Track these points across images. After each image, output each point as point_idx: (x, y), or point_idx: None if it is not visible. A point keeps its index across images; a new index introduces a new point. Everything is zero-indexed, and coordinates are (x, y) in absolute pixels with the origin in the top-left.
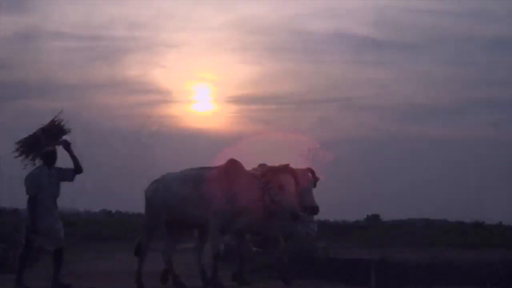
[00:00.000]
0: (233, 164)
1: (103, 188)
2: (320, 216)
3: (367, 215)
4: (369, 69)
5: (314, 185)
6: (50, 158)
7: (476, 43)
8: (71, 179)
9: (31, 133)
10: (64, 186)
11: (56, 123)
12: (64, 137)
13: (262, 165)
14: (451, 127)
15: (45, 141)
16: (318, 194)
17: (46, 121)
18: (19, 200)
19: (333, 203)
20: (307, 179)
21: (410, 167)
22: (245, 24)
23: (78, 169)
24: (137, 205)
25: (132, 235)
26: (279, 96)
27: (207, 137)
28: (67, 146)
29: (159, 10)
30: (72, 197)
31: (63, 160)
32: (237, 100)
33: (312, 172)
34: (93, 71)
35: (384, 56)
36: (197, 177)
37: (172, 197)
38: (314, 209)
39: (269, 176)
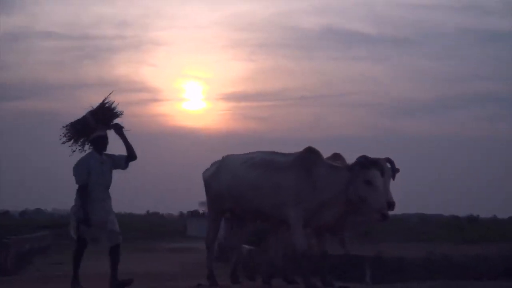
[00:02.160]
0: (311, 153)
1: None
2: None
3: None
4: (361, 65)
5: (393, 177)
6: (101, 144)
7: (468, 38)
8: (124, 166)
9: (80, 117)
10: (58, 187)
11: (107, 105)
12: (116, 121)
13: (336, 155)
14: (444, 122)
15: (95, 125)
16: None
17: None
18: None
19: None
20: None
21: (403, 162)
22: (236, 21)
23: (131, 155)
24: (129, 205)
25: (124, 236)
26: (271, 93)
27: (198, 135)
28: (119, 130)
29: (147, 8)
30: (65, 198)
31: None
32: (229, 97)
33: (391, 162)
34: (82, 71)
35: (376, 51)
36: (268, 163)
37: (238, 183)
38: (391, 205)
39: (356, 170)
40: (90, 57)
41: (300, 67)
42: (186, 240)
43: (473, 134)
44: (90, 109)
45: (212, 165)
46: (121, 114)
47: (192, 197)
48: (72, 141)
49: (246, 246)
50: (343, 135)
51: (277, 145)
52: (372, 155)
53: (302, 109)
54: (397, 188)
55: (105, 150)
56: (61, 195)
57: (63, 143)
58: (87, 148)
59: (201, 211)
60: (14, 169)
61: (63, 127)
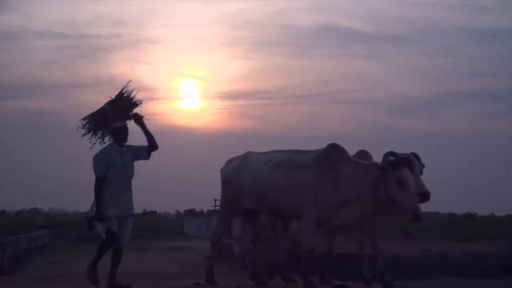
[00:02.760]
0: (335, 150)
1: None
2: None
3: None
4: (358, 62)
5: (421, 172)
6: (121, 135)
7: (466, 36)
8: (146, 157)
9: (99, 108)
10: (54, 187)
11: (125, 95)
12: (135, 110)
13: (362, 152)
14: (442, 119)
15: (114, 116)
16: None
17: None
18: (5, 201)
19: None
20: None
21: None
22: (232, 19)
23: (153, 145)
24: None
25: None
26: (268, 91)
27: (195, 134)
28: (139, 119)
29: (143, 7)
30: (61, 198)
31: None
32: (225, 96)
33: (418, 157)
34: (78, 70)
35: (374, 49)
36: (290, 161)
37: (261, 184)
38: (427, 195)
39: (387, 170)
40: (86, 56)
41: (297, 65)
42: (183, 239)
43: (471, 131)
44: (108, 99)
45: (228, 162)
46: (141, 103)
47: (189, 196)
48: (91, 133)
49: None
50: (340, 133)
51: (273, 143)
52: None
53: (299, 107)
54: None
55: (125, 141)
56: (58, 195)
57: (82, 135)
58: (107, 140)
59: (198, 210)
60: (11, 169)
61: (82, 119)
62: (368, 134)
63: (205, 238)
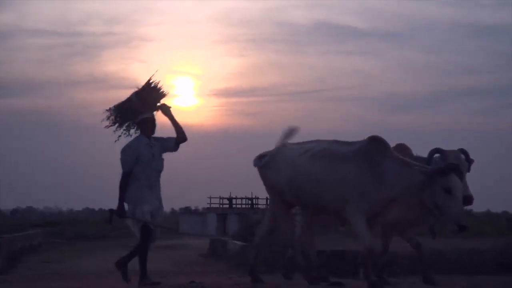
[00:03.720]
0: (378, 143)
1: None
2: None
3: None
4: (353, 59)
5: (468, 169)
6: (148, 126)
7: (460, 31)
8: (174, 149)
9: (125, 99)
10: (49, 186)
11: (152, 85)
12: (163, 101)
13: (400, 146)
14: (437, 115)
15: (141, 107)
16: None
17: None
18: None
19: None
20: (459, 163)
21: None
22: (227, 17)
23: (182, 137)
24: None
25: (116, 233)
26: (263, 88)
27: (190, 131)
28: (167, 110)
29: (136, 4)
30: (56, 196)
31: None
32: (220, 93)
33: (466, 153)
34: (72, 68)
35: (368, 46)
36: (330, 153)
37: (299, 176)
38: (469, 199)
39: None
40: (79, 54)
41: (292, 62)
42: (178, 237)
43: (466, 128)
44: (135, 90)
45: (264, 154)
46: (168, 94)
47: (184, 194)
48: (116, 125)
49: (239, 242)
50: (335, 130)
51: (269, 141)
52: None
53: (294, 104)
54: None
55: (153, 133)
56: (52, 194)
57: (106, 127)
58: (133, 133)
59: (193, 208)
60: (5, 168)
61: (107, 110)
62: (363, 131)
63: (200, 236)
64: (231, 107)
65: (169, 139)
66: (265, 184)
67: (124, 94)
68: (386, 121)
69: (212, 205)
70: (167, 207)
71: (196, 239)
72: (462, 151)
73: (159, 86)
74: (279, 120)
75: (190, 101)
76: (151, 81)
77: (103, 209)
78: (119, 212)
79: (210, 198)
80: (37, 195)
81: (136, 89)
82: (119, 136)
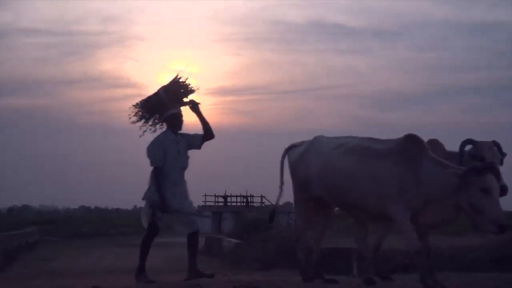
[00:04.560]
0: (415, 142)
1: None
2: None
3: None
4: (347, 57)
5: (501, 162)
6: (176, 122)
7: (452, 29)
8: (199, 146)
9: (151, 94)
10: (45, 184)
11: (180, 80)
12: (191, 97)
13: (433, 141)
14: (429, 113)
15: (168, 102)
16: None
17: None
18: None
19: None
20: (492, 155)
21: None
22: (221, 16)
23: (208, 134)
24: (116, 201)
25: (112, 231)
26: (258, 87)
27: (186, 130)
28: (195, 106)
29: (131, 3)
30: (52, 194)
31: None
32: (215, 92)
33: (498, 145)
34: (67, 67)
35: (361, 44)
36: (365, 150)
37: (331, 171)
38: (504, 190)
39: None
40: (74, 53)
41: (286, 61)
42: (173, 235)
43: (458, 125)
44: (163, 85)
45: (294, 145)
46: (196, 89)
47: None
48: (143, 120)
49: (233, 240)
50: (329, 128)
51: (264, 139)
52: None
53: (289, 103)
54: None
55: (180, 129)
56: (48, 192)
57: (133, 122)
58: (158, 128)
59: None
60: (1, 166)
61: (133, 105)
62: (356, 128)
63: None
64: (227, 106)
65: (195, 136)
66: (293, 177)
67: (118, 93)
68: (379, 118)
69: (207, 203)
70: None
71: None
72: (495, 143)
73: (187, 81)
74: (274, 118)
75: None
76: (179, 76)
77: (98, 208)
78: (163, 207)
79: (205, 196)
80: (33, 193)
81: (164, 85)
82: (144, 131)
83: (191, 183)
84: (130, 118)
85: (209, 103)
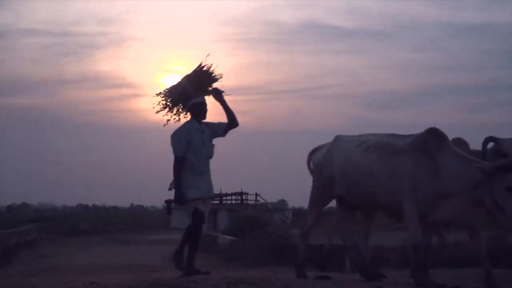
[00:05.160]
0: (435, 136)
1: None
2: (294, 203)
3: None
4: (341, 58)
5: None
6: (200, 111)
7: (445, 30)
8: (223, 134)
9: (175, 83)
10: (43, 182)
11: (204, 68)
12: (215, 85)
13: (457, 140)
14: (422, 113)
15: (192, 91)
16: (297, 183)
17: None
18: None
19: (307, 191)
20: None
21: None
22: (216, 16)
23: (233, 122)
24: (113, 199)
25: (109, 229)
26: (253, 87)
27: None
28: (218, 95)
29: (129, 4)
30: (50, 192)
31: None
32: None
33: None
34: (65, 67)
35: (355, 44)
36: (385, 146)
37: (352, 168)
38: None
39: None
40: (72, 54)
41: (280, 61)
42: (169, 232)
43: (451, 125)
44: (186, 73)
45: (319, 147)
46: (220, 77)
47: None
48: (167, 109)
49: (228, 237)
50: (323, 128)
51: (260, 139)
52: None
53: (284, 102)
54: None
55: (204, 118)
56: (47, 190)
57: (157, 112)
58: (182, 117)
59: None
60: (0, 165)
61: (157, 94)
62: (350, 128)
63: None
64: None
65: (219, 124)
66: (318, 178)
67: (115, 93)
68: (373, 118)
69: None
70: (159, 202)
71: None
72: None
73: (211, 70)
74: (269, 118)
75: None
76: (202, 64)
77: (96, 205)
78: (179, 198)
79: None
80: (31, 191)
81: (187, 73)
82: (168, 120)
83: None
84: (153, 107)
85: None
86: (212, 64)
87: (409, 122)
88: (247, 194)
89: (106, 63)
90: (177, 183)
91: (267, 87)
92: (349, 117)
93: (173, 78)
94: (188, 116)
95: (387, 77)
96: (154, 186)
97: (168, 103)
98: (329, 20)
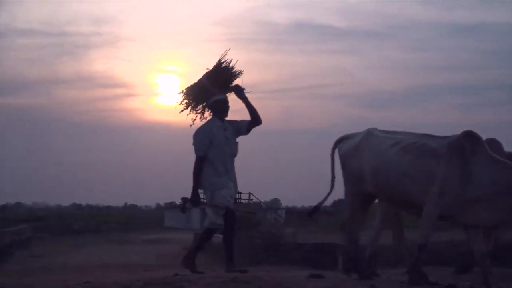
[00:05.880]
0: (471, 139)
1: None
2: (287, 202)
3: (334, 200)
4: (333, 57)
5: None
6: (222, 109)
7: (439, 30)
8: (246, 132)
9: (196, 81)
10: (37, 181)
11: (224, 65)
12: (235, 82)
13: (491, 140)
14: (416, 112)
15: (212, 89)
16: (291, 182)
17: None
18: None
19: (300, 190)
20: None
21: None
22: (209, 16)
23: (256, 119)
24: (107, 198)
25: (103, 228)
26: (246, 86)
27: (174, 129)
28: (240, 92)
29: (123, 4)
30: (43, 192)
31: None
32: None
33: None
34: (60, 67)
35: (347, 44)
36: (420, 147)
37: (386, 169)
38: None
39: None
40: (67, 54)
41: (273, 61)
42: (163, 231)
43: (445, 124)
44: (206, 71)
45: (343, 138)
46: (241, 73)
47: (169, 189)
48: (189, 108)
49: (221, 236)
50: (315, 127)
51: (253, 138)
52: None
53: (276, 102)
54: None
55: (226, 116)
56: (40, 190)
57: (180, 111)
58: (207, 115)
59: (177, 203)
60: None
61: (179, 93)
62: (343, 128)
63: (185, 230)
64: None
65: (242, 122)
66: (344, 170)
67: (110, 93)
68: (367, 117)
69: None
70: (152, 202)
71: (180, 233)
72: None
73: (231, 65)
74: (262, 117)
75: (174, 99)
76: (222, 61)
77: (90, 205)
78: (194, 199)
79: None
80: (25, 191)
81: (207, 70)
82: (194, 119)
83: (181, 181)
84: (176, 107)
85: None
86: (231, 60)
87: (403, 121)
88: (241, 193)
89: (101, 63)
90: (195, 184)
91: (260, 86)
92: (343, 116)
93: (166, 78)
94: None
95: (382, 77)
96: (147, 185)
97: (190, 102)
98: (322, 20)
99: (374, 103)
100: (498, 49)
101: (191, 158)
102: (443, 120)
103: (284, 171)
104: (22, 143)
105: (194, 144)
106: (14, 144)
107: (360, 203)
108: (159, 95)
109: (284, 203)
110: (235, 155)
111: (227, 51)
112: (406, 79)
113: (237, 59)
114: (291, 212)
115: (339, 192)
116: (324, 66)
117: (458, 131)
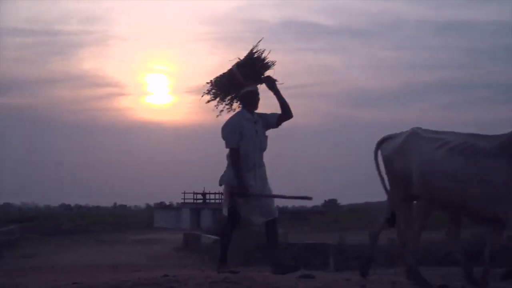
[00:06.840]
0: None
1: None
2: (280, 202)
3: (325, 200)
4: (321, 56)
5: None
6: (251, 100)
7: (426, 28)
8: (275, 125)
9: (226, 71)
10: (26, 181)
11: (256, 55)
12: (267, 73)
13: None
14: (403, 110)
15: (243, 79)
16: (287, 182)
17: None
18: None
19: (291, 189)
20: None
21: (364, 151)
22: (197, 15)
23: (287, 113)
24: (96, 198)
25: (92, 228)
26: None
27: (165, 128)
28: (272, 84)
29: (113, 3)
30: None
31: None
32: (194, 90)
33: None
34: (49, 66)
35: (336, 43)
36: (471, 148)
37: (435, 172)
38: None
39: None
40: (56, 53)
41: None
42: (153, 232)
43: (432, 122)
44: (237, 61)
45: (386, 138)
46: (273, 65)
47: (158, 189)
48: (218, 99)
49: (212, 236)
50: (304, 126)
51: None
52: (334, 143)
53: (265, 101)
54: (360, 177)
55: (256, 108)
56: (29, 190)
57: (207, 102)
58: (236, 107)
59: (167, 203)
60: None
61: (207, 83)
62: (331, 126)
63: (175, 231)
64: (205, 104)
65: (272, 115)
66: (388, 173)
67: (100, 92)
68: (355, 116)
69: (186, 200)
70: (142, 202)
71: (170, 233)
72: None
73: (263, 56)
74: None
75: (164, 98)
76: (254, 51)
77: (79, 205)
78: (242, 191)
79: (184, 193)
80: (14, 191)
81: (238, 59)
82: (221, 111)
83: (171, 181)
84: (202, 96)
85: (189, 101)
86: (264, 50)
87: (390, 119)
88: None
89: (91, 62)
90: (239, 176)
91: None
92: (330, 114)
93: (155, 77)
94: (242, 106)
95: (368, 75)
96: (137, 185)
97: (218, 92)
98: (310, 19)
99: (361, 102)
100: (485, 47)
101: (180, 158)
102: (430, 119)
103: (273, 171)
104: (11, 143)
105: (224, 137)
106: (2, 144)
107: (409, 207)
108: (149, 94)
109: (276, 202)
110: (264, 149)
111: (259, 41)
112: (393, 77)
113: (269, 50)
114: (283, 212)
115: (330, 192)
116: (312, 65)
117: (448, 129)
